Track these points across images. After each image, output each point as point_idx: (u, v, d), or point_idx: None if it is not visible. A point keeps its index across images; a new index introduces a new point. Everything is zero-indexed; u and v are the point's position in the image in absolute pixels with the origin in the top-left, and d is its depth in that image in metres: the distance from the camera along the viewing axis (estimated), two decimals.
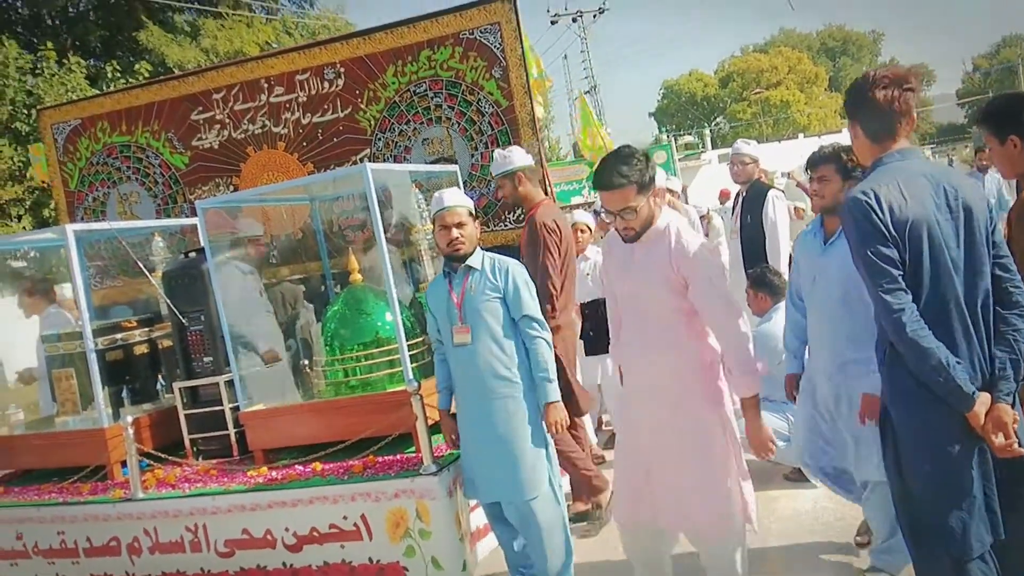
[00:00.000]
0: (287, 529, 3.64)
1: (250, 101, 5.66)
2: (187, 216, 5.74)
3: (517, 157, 4.29)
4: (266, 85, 5.60)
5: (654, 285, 2.96)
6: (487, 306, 3.32)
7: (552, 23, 31.95)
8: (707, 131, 36.64)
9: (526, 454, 3.29)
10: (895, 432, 2.38)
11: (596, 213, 6.08)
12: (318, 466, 3.73)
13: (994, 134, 2.74)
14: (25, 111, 13.23)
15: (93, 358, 4.15)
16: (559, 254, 4.14)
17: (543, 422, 3.34)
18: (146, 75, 13.83)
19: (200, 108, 5.80)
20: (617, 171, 2.88)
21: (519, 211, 4.86)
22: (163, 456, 4.07)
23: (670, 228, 2.96)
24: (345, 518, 3.55)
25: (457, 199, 3.42)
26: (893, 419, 2.38)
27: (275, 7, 20.26)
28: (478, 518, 3.67)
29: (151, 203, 6.07)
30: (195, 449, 4.21)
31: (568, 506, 3.64)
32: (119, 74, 14.42)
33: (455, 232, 3.34)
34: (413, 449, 3.65)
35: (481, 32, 5.03)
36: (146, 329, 4.65)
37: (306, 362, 4.28)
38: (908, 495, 2.37)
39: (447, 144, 5.23)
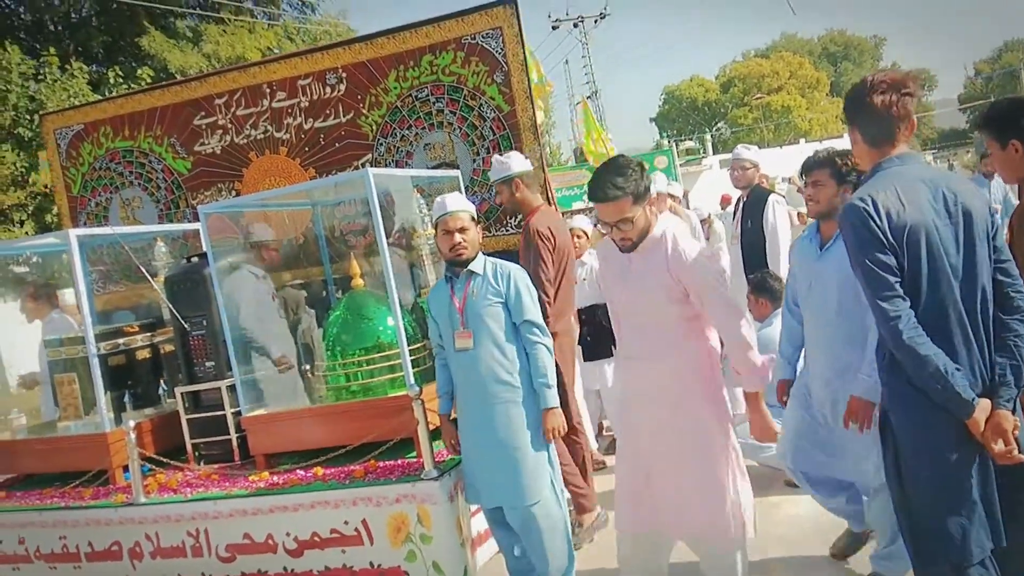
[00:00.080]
0: (288, 534, 3.65)
1: (252, 106, 5.68)
2: (189, 221, 5.75)
3: (515, 163, 4.29)
4: (268, 90, 5.62)
5: (652, 293, 2.97)
6: (489, 311, 3.32)
7: (553, 28, 32.00)
8: (708, 136, 36.69)
9: (527, 459, 3.29)
10: (895, 438, 2.38)
11: (597, 221, 6.08)
12: (319, 471, 3.74)
13: (995, 138, 2.74)
14: (28, 116, 13.24)
15: (95, 363, 4.17)
16: (551, 261, 4.13)
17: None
18: (148, 80, 13.85)
19: (203, 113, 5.81)
20: (612, 182, 2.87)
21: (520, 216, 4.86)
22: (165, 461, 4.07)
23: (666, 236, 2.97)
24: (346, 523, 3.55)
25: (460, 204, 3.42)
26: (893, 424, 2.38)
27: (277, 13, 20.29)
28: (479, 523, 3.66)
29: (153, 208, 6.08)
30: (197, 454, 4.21)
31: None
32: (121, 79, 14.43)
33: (457, 237, 3.35)
34: (414, 454, 3.65)
35: (483, 37, 5.05)
36: (148, 334, 4.66)
37: (308, 367, 4.28)
38: (908, 500, 2.36)
39: (449, 149, 5.24)
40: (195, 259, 4.37)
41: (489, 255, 3.51)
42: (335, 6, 39.01)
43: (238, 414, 4.07)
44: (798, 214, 9.86)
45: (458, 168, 5.02)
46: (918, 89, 2.42)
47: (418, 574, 3.46)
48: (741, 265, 5.93)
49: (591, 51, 32.48)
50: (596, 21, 32.24)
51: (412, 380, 3.63)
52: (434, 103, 5.23)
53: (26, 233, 13.53)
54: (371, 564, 3.53)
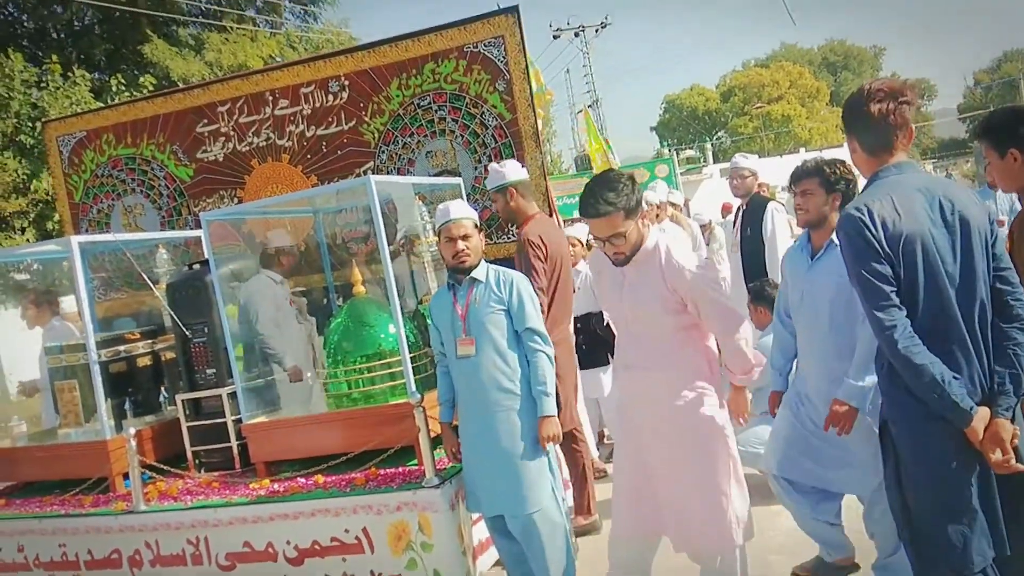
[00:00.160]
0: (289, 542, 3.64)
1: (255, 114, 5.69)
2: (191, 228, 5.76)
3: (510, 171, 4.30)
4: (271, 98, 5.64)
5: (648, 305, 2.97)
6: (491, 318, 3.32)
7: (555, 37, 32.04)
8: (709, 145, 36.75)
9: (529, 467, 3.29)
10: (895, 447, 2.38)
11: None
12: (320, 478, 3.73)
13: (994, 147, 2.74)
14: (30, 124, 13.27)
15: (96, 370, 4.17)
16: (543, 270, 4.12)
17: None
18: (151, 88, 13.89)
19: (205, 121, 5.83)
20: (603, 198, 2.85)
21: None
22: (165, 468, 4.07)
23: (659, 247, 2.97)
24: (347, 531, 3.54)
25: (463, 211, 3.42)
26: (893, 434, 2.38)
27: (279, 21, 20.38)
28: (480, 531, 3.66)
29: (155, 215, 6.10)
30: (197, 461, 4.21)
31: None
32: (124, 87, 14.46)
33: (460, 244, 3.35)
34: (415, 462, 3.64)
35: (485, 45, 5.07)
36: (149, 341, 4.66)
37: (309, 374, 4.28)
38: (909, 509, 2.36)
39: (451, 156, 5.26)
40: (196, 266, 4.38)
41: (490, 263, 3.52)
42: (337, 15, 39.09)
43: (239, 421, 4.07)
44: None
45: (460, 176, 5.03)
46: (915, 97, 2.42)
47: None
48: (741, 273, 5.94)
49: (592, 60, 32.55)
50: (597, 31, 32.29)
51: (413, 387, 3.64)
52: (436, 111, 5.25)
53: (27, 240, 13.55)
54: (372, 572, 3.52)
